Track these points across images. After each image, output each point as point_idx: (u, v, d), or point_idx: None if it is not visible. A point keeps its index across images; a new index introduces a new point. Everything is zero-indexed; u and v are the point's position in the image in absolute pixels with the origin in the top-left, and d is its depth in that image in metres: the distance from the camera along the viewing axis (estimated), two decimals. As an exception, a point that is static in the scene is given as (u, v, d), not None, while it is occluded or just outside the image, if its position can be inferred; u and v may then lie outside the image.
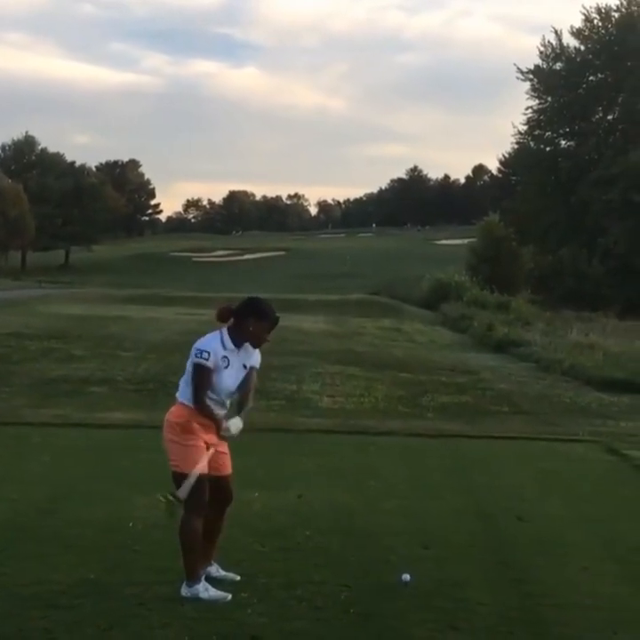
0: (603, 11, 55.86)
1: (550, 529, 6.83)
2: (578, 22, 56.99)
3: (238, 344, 5.17)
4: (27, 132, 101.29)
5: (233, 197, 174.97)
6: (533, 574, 5.74)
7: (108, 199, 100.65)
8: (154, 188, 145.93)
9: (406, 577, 5.34)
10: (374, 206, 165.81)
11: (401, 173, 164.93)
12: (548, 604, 5.19)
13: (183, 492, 4.94)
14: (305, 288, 59.71)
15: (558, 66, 57.40)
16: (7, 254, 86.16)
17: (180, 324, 25.73)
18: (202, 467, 5.00)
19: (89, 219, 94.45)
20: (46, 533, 6.16)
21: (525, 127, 58.33)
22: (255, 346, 5.23)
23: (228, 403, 5.26)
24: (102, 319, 26.98)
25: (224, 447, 5.28)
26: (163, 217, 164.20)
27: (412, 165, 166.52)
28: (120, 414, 11.45)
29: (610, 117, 58.58)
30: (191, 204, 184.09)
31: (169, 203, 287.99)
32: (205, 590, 5.02)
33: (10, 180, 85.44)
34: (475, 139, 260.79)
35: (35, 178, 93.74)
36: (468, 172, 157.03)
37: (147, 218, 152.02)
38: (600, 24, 56.23)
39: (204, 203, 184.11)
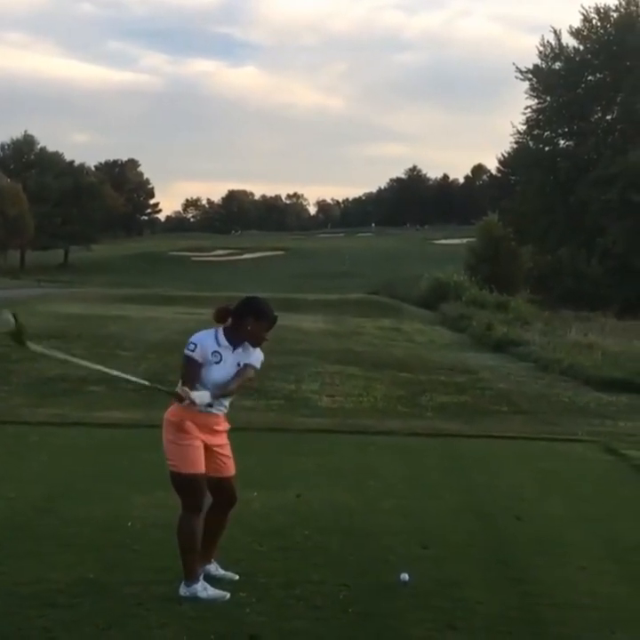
0: (602, 11, 56.01)
1: (549, 528, 6.83)
2: (577, 22, 57.26)
3: (236, 343, 5.16)
4: (26, 132, 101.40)
5: (232, 197, 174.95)
6: (532, 574, 5.74)
7: (107, 198, 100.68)
8: (153, 188, 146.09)
9: (405, 576, 5.34)
10: (373, 206, 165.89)
11: (400, 173, 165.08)
12: (547, 604, 5.19)
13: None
14: (304, 287, 59.72)
15: (557, 65, 57.48)
16: (6, 253, 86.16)
17: (179, 323, 25.71)
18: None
19: (88, 218, 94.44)
20: (44, 532, 6.16)
21: (524, 127, 58.51)
22: (254, 345, 5.22)
23: (225, 402, 5.22)
24: (101, 318, 26.96)
25: (227, 450, 5.26)
26: (162, 216, 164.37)
27: (411, 165, 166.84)
28: (119, 413, 11.45)
29: (609, 117, 58.67)
30: (190, 204, 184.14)
31: (168, 202, 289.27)
32: (204, 589, 5.01)
33: (9, 180, 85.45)
34: (474, 138, 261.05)
35: (34, 177, 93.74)
36: (468, 171, 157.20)
37: (146, 217, 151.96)
38: (599, 24, 56.34)
39: (203, 202, 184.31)
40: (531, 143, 59.28)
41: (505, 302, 36.64)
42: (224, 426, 5.29)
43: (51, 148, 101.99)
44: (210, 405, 5.09)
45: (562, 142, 59.57)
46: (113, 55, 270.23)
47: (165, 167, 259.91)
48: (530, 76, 57.18)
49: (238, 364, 5.18)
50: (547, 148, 58.75)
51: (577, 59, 56.92)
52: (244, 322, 5.14)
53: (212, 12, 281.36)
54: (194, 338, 5.16)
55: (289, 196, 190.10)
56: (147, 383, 5.46)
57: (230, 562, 5.47)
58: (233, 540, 5.68)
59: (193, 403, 4.98)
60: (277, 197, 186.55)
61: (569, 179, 54.26)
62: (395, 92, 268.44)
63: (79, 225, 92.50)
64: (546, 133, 58.73)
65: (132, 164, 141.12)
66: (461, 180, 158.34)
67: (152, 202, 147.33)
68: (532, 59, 58.59)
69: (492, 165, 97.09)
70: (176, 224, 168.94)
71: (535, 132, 58.53)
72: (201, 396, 5.01)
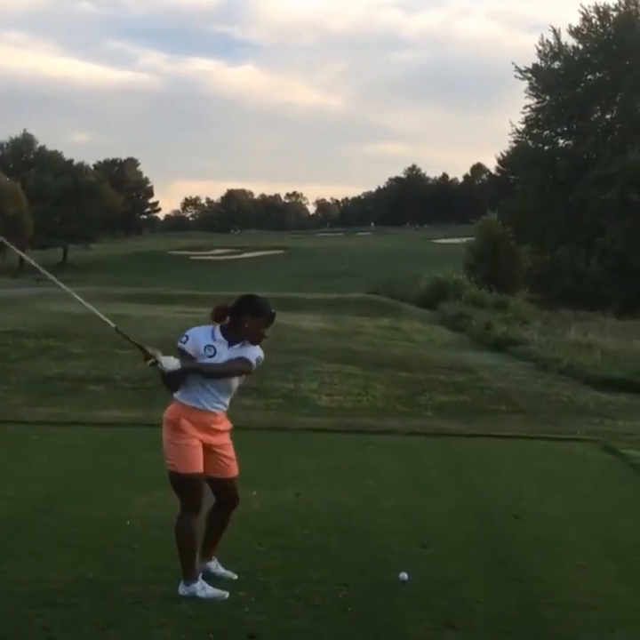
0: (601, 10, 55.95)
1: (548, 528, 6.83)
2: (576, 21, 57.17)
3: (232, 341, 5.15)
4: (25, 131, 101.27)
5: (231, 196, 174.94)
6: (531, 573, 5.74)
7: (107, 197, 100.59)
8: (152, 187, 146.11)
9: (404, 576, 5.34)
10: (373, 205, 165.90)
11: (399, 172, 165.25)
12: (546, 603, 5.19)
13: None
14: (303, 287, 59.67)
15: (557, 65, 57.44)
16: (5, 252, 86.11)
17: (178, 322, 25.67)
18: None
19: (87, 217, 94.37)
20: (44, 532, 6.16)
21: (524, 126, 58.44)
22: (254, 343, 5.20)
23: (224, 400, 5.19)
24: (100, 317, 26.92)
25: (229, 451, 5.25)
26: (161, 215, 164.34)
27: (410, 164, 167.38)
28: (118, 413, 11.43)
29: (608, 116, 58.62)
30: (189, 203, 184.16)
31: (167, 201, 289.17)
32: (203, 589, 5.01)
33: (8, 179, 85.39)
34: (473, 137, 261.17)
35: (33, 176, 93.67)
36: (467, 170, 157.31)
37: (145, 216, 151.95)
38: (598, 23, 56.28)
39: (203, 201, 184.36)
40: (530, 142, 59.22)
41: (504, 301, 36.63)
42: (225, 425, 5.26)
43: (50, 147, 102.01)
44: (174, 381, 5.00)
45: (561, 141, 59.53)
46: (112, 54, 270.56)
47: (164, 166, 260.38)
48: (529, 75, 57.14)
49: None
50: (546, 148, 58.70)
51: (576, 58, 56.88)
52: (242, 320, 5.14)
53: (212, 11, 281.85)
54: (188, 331, 5.19)
55: (288, 196, 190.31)
56: (114, 325, 5.21)
57: (229, 561, 5.47)
58: (232, 539, 5.68)
59: (159, 365, 4.91)
60: (276, 197, 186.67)
61: (568, 178, 54.24)
62: (394, 91, 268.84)
63: (78, 224, 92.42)
64: (545, 133, 58.67)
65: (131, 163, 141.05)
66: (460, 180, 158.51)
67: (151, 201, 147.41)
68: (531, 58, 58.74)
69: (492, 165, 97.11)
70: (175, 223, 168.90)
71: (534, 132, 58.47)
72: (168, 360, 4.94)
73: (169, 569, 5.22)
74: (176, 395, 5.17)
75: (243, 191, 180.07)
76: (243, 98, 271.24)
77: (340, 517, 6.82)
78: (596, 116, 58.63)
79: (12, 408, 11.57)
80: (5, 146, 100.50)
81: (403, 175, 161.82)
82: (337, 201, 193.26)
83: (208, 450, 5.13)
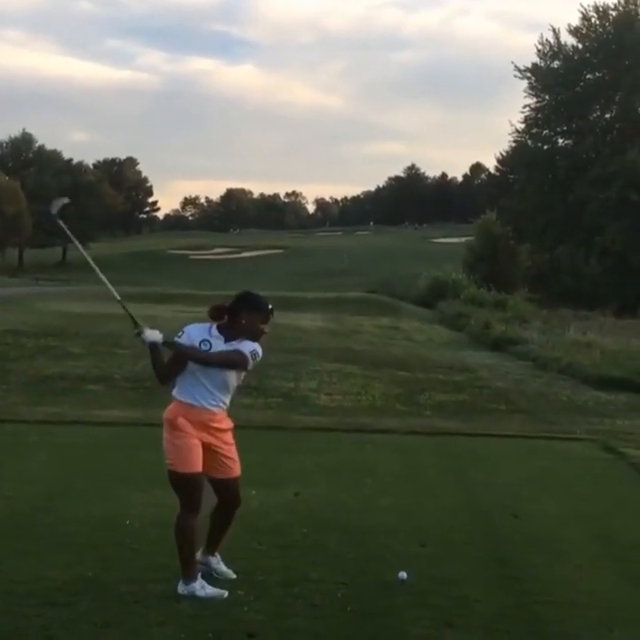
0: (600, 9, 56.02)
1: (547, 527, 6.84)
2: (576, 21, 57.22)
3: (230, 339, 5.12)
4: (24, 130, 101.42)
5: (230, 195, 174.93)
6: (530, 572, 5.74)
7: (106, 197, 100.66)
8: (151, 186, 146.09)
9: (403, 575, 5.34)
10: (372, 204, 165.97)
11: (398, 171, 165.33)
12: (544, 602, 5.19)
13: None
14: (303, 286, 59.71)
15: (556, 64, 57.47)
16: (4, 251, 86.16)
17: (177, 321, 25.52)
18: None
19: (86, 216, 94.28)
20: (43, 531, 6.15)
21: (523, 125, 58.48)
22: (254, 340, 5.19)
23: (222, 397, 5.17)
24: (99, 317, 26.89)
25: (231, 452, 5.24)
26: (160, 215, 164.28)
27: (409, 163, 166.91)
28: (117, 412, 11.44)
29: (607, 116, 58.65)
30: (189, 202, 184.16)
31: (167, 200, 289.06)
32: (202, 588, 5.01)
33: (7, 178, 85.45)
34: (472, 137, 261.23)
35: (32, 175, 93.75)
36: (466, 170, 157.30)
37: (144, 215, 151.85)
38: (598, 22, 56.33)
39: (202, 200, 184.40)
40: (529, 142, 59.23)
41: (503, 301, 36.67)
42: (226, 424, 5.24)
43: (49, 146, 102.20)
44: (154, 346, 5.19)
45: (560, 141, 59.56)
46: (111, 53, 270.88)
47: (164, 165, 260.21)
48: (528, 74, 57.18)
49: None
50: (545, 147, 58.74)
51: (576, 57, 56.92)
52: (239, 317, 5.13)
53: (211, 10, 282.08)
54: (185, 327, 5.27)
55: (287, 195, 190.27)
56: (118, 297, 5.69)
57: (229, 560, 5.46)
58: (231, 538, 5.67)
59: (142, 334, 5.18)
60: (276, 196, 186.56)
61: (567, 177, 54.26)
62: (393, 90, 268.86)
63: (77, 223, 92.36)
64: (544, 132, 58.70)
65: (131, 162, 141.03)
66: (460, 179, 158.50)
67: (150, 200, 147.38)
68: (530, 57, 58.69)
69: (491, 164, 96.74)
70: (175, 222, 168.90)
71: (534, 131, 58.49)
72: (152, 332, 5.19)
73: (168, 568, 5.22)
74: (174, 392, 5.18)
75: (242, 190, 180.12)
76: (242, 97, 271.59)
77: (339, 516, 6.82)
78: (595, 115, 58.66)
79: (12, 407, 11.57)
80: (5, 145, 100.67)
81: (402, 174, 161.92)
82: (336, 200, 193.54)
83: (209, 450, 5.12)
